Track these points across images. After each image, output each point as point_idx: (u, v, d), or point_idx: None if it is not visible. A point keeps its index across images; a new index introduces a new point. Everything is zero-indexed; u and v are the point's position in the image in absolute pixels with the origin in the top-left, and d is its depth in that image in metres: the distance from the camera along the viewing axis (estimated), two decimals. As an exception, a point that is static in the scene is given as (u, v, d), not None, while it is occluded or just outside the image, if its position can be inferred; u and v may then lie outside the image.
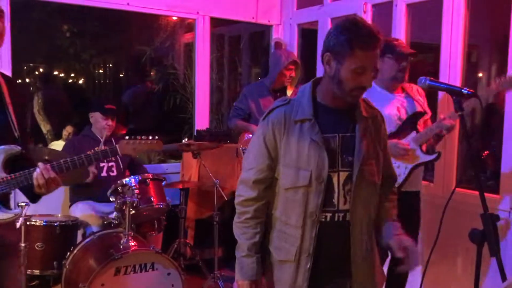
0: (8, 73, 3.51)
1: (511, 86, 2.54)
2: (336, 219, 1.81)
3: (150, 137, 2.23)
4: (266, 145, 1.82)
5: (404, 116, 2.78)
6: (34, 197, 2.02)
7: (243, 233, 1.88)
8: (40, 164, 1.91)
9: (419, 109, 2.80)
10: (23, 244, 2.87)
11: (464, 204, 2.78)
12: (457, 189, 3.19)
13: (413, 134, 2.68)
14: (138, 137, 2.19)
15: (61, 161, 1.97)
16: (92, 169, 3.48)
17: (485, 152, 4.28)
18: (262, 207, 1.87)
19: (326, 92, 1.81)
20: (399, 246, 1.78)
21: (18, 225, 2.84)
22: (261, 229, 1.87)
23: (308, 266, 1.80)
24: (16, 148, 1.91)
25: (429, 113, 2.91)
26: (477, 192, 1.66)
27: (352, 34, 1.67)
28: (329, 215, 1.80)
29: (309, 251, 1.80)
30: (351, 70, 1.69)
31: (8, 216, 1.94)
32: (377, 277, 1.93)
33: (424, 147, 2.75)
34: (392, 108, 2.77)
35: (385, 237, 1.87)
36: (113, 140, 3.79)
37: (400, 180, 2.67)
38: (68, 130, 5.08)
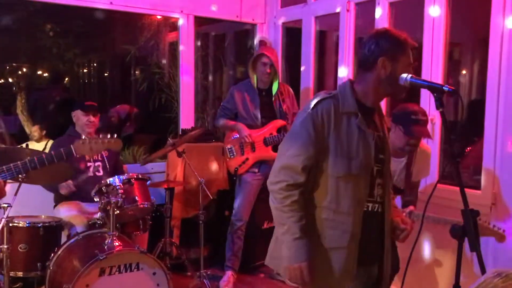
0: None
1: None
2: (374, 209, 1.98)
3: (108, 136, 2.16)
4: (316, 133, 1.89)
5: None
6: None
7: (291, 216, 1.89)
8: None
9: (402, 180, 2.88)
10: (5, 246, 2.86)
11: (446, 199, 2.81)
12: (439, 185, 3.24)
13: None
14: (95, 136, 2.13)
15: (4, 167, 1.90)
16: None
17: (468, 148, 4.33)
18: (305, 193, 1.93)
19: (368, 92, 1.95)
20: (401, 221, 2.03)
21: (-1, 227, 2.83)
22: (305, 213, 1.91)
23: (356, 252, 1.93)
24: None
25: (423, 176, 3.05)
26: (458, 188, 1.68)
27: (401, 37, 1.90)
28: (370, 205, 1.97)
29: (358, 237, 1.93)
30: (408, 65, 1.89)
31: None
32: (393, 263, 2.18)
33: None
34: None
35: None
36: (109, 136, 3.77)
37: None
38: (35, 129, 5.03)
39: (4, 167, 1.87)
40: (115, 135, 2.16)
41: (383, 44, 1.88)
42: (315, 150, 1.89)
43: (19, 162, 1.90)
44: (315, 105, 1.92)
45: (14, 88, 6.62)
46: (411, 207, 2.81)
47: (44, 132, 4.90)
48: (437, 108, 1.70)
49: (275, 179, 1.94)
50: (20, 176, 2.51)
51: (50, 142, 4.81)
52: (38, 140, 4.87)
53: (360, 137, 1.91)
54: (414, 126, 2.62)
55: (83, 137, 2.11)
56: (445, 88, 1.71)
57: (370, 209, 1.96)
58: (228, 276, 3.95)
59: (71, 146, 2.03)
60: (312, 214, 1.94)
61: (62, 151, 2.01)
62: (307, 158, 1.89)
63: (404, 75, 1.85)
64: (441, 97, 1.70)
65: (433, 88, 1.73)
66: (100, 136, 2.15)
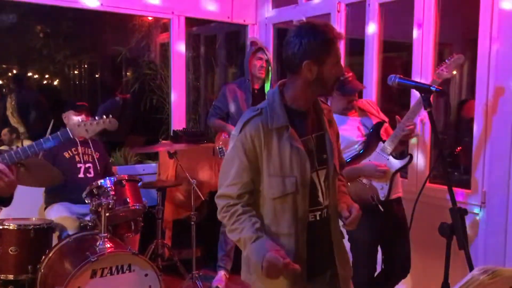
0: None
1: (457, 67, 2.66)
2: (324, 215, 1.88)
3: (103, 117, 2.17)
4: (248, 158, 1.80)
5: (365, 131, 2.82)
6: (2, 200, 1.97)
7: (242, 228, 1.79)
8: None
9: (376, 121, 2.85)
10: (-4, 249, 2.86)
11: (436, 198, 2.84)
12: (429, 184, 3.27)
13: (380, 145, 2.73)
14: (91, 118, 2.13)
15: (12, 152, 1.90)
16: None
17: (458, 148, 4.36)
18: (248, 204, 1.83)
19: (297, 96, 1.84)
20: (346, 208, 1.88)
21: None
22: (256, 219, 1.80)
23: (304, 269, 1.81)
24: None
25: (386, 120, 2.99)
26: (445, 187, 1.70)
27: (323, 35, 1.74)
28: (318, 213, 1.87)
29: (304, 256, 1.83)
30: (333, 65, 1.78)
31: None
32: (346, 257, 2.03)
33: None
34: (352, 130, 2.81)
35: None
36: (89, 141, 3.76)
37: (385, 192, 2.73)
38: (4, 132, 5.00)
39: (5, 154, 1.88)
40: (110, 115, 2.17)
41: (306, 46, 1.74)
42: (250, 176, 1.81)
43: (19, 148, 1.91)
44: (242, 127, 1.82)
45: (3, 90, 6.58)
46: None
47: (14, 135, 4.86)
48: (425, 108, 1.72)
49: (218, 208, 1.87)
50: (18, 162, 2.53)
51: (26, 142, 4.78)
52: (9, 144, 4.82)
53: (293, 152, 1.79)
54: (346, 85, 2.74)
55: (79, 119, 2.13)
56: (433, 88, 1.73)
57: (318, 217, 1.87)
58: (221, 276, 3.95)
59: (67, 129, 2.04)
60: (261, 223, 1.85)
61: (58, 133, 2.01)
62: (242, 186, 1.82)
63: (392, 76, 1.82)
64: (428, 97, 1.71)
65: (421, 88, 1.75)
66: (96, 117, 2.15)
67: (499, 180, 2.96)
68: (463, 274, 1.27)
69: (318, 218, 1.86)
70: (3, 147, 4.70)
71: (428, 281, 3.37)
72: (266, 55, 3.96)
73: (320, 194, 1.86)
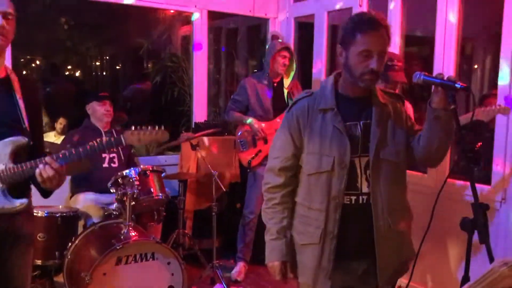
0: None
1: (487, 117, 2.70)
2: (360, 201, 1.91)
3: (156, 127, 2.19)
4: (291, 134, 1.95)
5: None
6: (45, 192, 2.04)
7: (271, 217, 1.99)
8: (47, 157, 1.92)
9: None
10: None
11: (457, 194, 2.85)
12: (450, 179, 3.28)
13: None
14: (144, 128, 2.15)
15: (66, 152, 1.97)
16: None
17: (479, 143, 4.34)
18: (289, 194, 1.99)
19: (345, 83, 1.93)
20: (436, 91, 1.79)
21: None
22: (288, 214, 1.98)
23: (333, 247, 1.90)
24: (24, 140, 1.93)
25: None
26: (469, 183, 1.72)
27: (353, 23, 1.83)
28: (353, 198, 1.91)
29: (334, 233, 1.90)
30: (357, 55, 1.81)
31: (12, 206, 1.94)
32: (404, 253, 2.01)
33: None
34: None
35: (433, 106, 1.81)
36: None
37: None
38: (61, 122, 5.12)
39: (61, 153, 1.96)
40: (162, 127, 2.23)
41: (342, 31, 1.86)
42: (293, 151, 1.95)
43: (73, 149, 1.98)
44: (290, 107, 2.00)
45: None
46: None
47: (65, 125, 4.99)
48: (450, 105, 1.73)
49: (264, 180, 2.04)
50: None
51: (49, 134, 4.90)
52: (61, 133, 4.96)
53: (334, 133, 1.88)
54: (389, 72, 2.70)
55: (132, 128, 2.18)
56: (458, 85, 1.73)
57: (353, 202, 1.90)
58: (240, 266, 4.02)
59: (121, 136, 2.08)
60: (296, 211, 2.00)
61: (112, 140, 2.06)
62: (284, 159, 1.96)
63: (417, 73, 1.78)
64: (453, 94, 1.72)
65: (446, 85, 1.75)
66: (149, 127, 2.17)
67: (520, 176, 2.96)
68: (482, 268, 1.31)
69: (353, 202, 1.90)
70: (52, 133, 4.83)
71: (447, 274, 3.40)
72: (291, 53, 3.99)
73: (359, 179, 1.90)
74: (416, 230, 2.09)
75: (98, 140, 2.03)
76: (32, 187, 2.06)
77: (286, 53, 3.95)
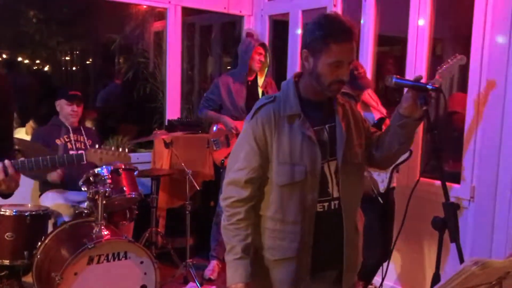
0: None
1: (451, 73, 2.73)
2: (332, 207, 1.86)
3: (120, 150, 2.24)
4: (257, 144, 1.81)
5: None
6: (2, 194, 1.99)
7: (236, 235, 1.82)
8: (6, 161, 1.86)
9: (377, 116, 2.92)
10: (-7, 234, 2.89)
11: (427, 193, 2.91)
12: (421, 178, 3.34)
13: None
14: (107, 148, 2.19)
15: (25, 160, 1.93)
16: (58, 171, 3.48)
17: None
18: (252, 208, 1.85)
19: (307, 87, 1.84)
20: (404, 98, 1.78)
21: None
22: (252, 231, 1.84)
23: (309, 258, 1.84)
24: None
25: (385, 112, 3.06)
26: (439, 182, 1.75)
27: (326, 30, 1.72)
28: (326, 204, 1.85)
29: (309, 243, 1.83)
30: (328, 65, 1.73)
31: None
32: (358, 259, 2.00)
33: None
34: None
35: (401, 112, 1.81)
36: (82, 129, 3.79)
37: (384, 185, 2.82)
38: (31, 124, 5.00)
39: (20, 160, 1.92)
40: (126, 150, 2.27)
41: (310, 35, 1.75)
42: (259, 161, 1.81)
43: (33, 159, 1.95)
44: (253, 113, 1.84)
45: (-6, 75, 6.52)
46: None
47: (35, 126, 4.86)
48: (421, 106, 1.76)
49: (223, 195, 1.88)
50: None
51: (18, 131, 4.78)
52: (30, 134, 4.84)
53: (304, 140, 1.79)
54: (359, 80, 2.85)
55: (96, 146, 2.21)
56: (429, 87, 1.76)
57: (326, 208, 1.85)
58: (213, 265, 4.01)
59: (83, 152, 2.11)
60: (262, 226, 1.87)
61: (73, 156, 2.08)
62: (251, 171, 1.81)
63: (389, 76, 1.79)
64: (425, 96, 1.76)
65: (418, 87, 1.78)
66: (113, 148, 2.22)
67: (488, 175, 3.04)
68: (453, 267, 1.34)
69: (325, 209, 1.85)
70: (22, 129, 4.71)
71: (420, 273, 3.47)
72: (266, 49, 3.99)
73: (330, 185, 1.84)
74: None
75: (60, 154, 2.01)
76: None
77: (261, 50, 3.95)
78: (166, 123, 4.50)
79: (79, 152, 2.14)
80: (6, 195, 2.00)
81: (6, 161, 1.86)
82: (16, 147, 2.88)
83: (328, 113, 1.88)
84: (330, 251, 1.89)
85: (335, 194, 1.86)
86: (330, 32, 1.71)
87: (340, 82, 1.78)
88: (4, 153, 1.88)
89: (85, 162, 2.10)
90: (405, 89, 1.83)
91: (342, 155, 1.84)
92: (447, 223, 1.67)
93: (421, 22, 3.42)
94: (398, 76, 1.82)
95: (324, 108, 1.87)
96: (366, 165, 2.02)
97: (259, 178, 1.84)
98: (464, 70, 3.29)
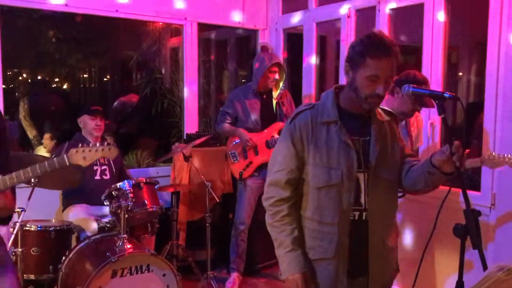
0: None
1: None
2: (363, 217, 1.91)
3: (105, 144, 2.13)
4: (295, 147, 1.91)
5: None
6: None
7: (282, 230, 1.92)
8: None
9: (407, 143, 2.92)
10: (20, 249, 2.95)
11: (448, 201, 2.89)
12: (440, 186, 3.34)
13: None
14: (90, 145, 2.09)
15: (6, 176, 1.88)
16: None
17: (467, 150, 4.41)
18: (294, 206, 1.95)
19: (347, 98, 1.92)
20: (440, 152, 1.79)
21: (14, 231, 2.89)
22: (297, 225, 1.93)
23: (347, 260, 1.90)
24: None
25: (419, 144, 3.06)
26: (459, 189, 1.76)
27: (364, 45, 1.81)
28: (357, 213, 1.91)
29: (347, 245, 1.89)
30: (365, 78, 1.81)
31: None
32: (392, 269, 2.04)
33: None
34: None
35: (432, 163, 1.84)
36: (105, 144, 3.85)
37: None
38: (46, 137, 5.10)
39: (6, 175, 1.87)
40: (112, 143, 2.15)
41: (351, 50, 1.86)
42: (297, 163, 1.92)
43: (14, 173, 1.90)
44: (292, 118, 1.96)
45: (16, 94, 6.69)
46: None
47: (54, 141, 4.96)
48: (439, 114, 1.77)
49: (265, 195, 1.99)
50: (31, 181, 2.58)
51: (39, 148, 4.89)
52: (48, 148, 4.93)
53: (341, 146, 1.88)
54: (425, 99, 2.74)
55: (80, 145, 2.08)
56: (446, 95, 1.78)
57: (357, 217, 1.90)
58: (234, 277, 4.02)
59: (64, 155, 2.02)
60: (303, 226, 1.96)
61: (55, 160, 1.98)
62: (289, 172, 1.92)
63: (406, 86, 1.84)
64: (442, 104, 1.77)
65: (435, 95, 1.80)
66: (97, 144, 2.12)
67: (508, 182, 3.03)
68: (475, 274, 1.34)
69: (357, 218, 1.90)
70: (38, 149, 4.79)
71: (441, 281, 3.44)
72: (282, 68, 4.00)
73: (362, 195, 1.90)
74: (412, 238, 2.11)
75: (42, 162, 1.95)
76: None
77: (276, 69, 3.98)
78: (185, 137, 4.55)
79: (62, 155, 2.04)
80: (4, 219, 1.97)
81: None
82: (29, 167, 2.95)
83: (364, 127, 1.94)
84: (361, 259, 1.93)
85: (366, 206, 1.91)
86: (367, 47, 1.80)
87: (376, 96, 1.84)
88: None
89: (67, 164, 2.01)
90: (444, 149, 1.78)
91: (373, 169, 1.90)
92: (469, 229, 1.67)
93: (436, 29, 3.44)
94: (415, 86, 1.84)
95: (361, 121, 1.94)
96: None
97: (297, 179, 1.94)
98: (480, 76, 3.30)
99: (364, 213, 1.91)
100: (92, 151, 2.07)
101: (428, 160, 1.85)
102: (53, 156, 3.67)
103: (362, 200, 1.91)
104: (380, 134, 1.94)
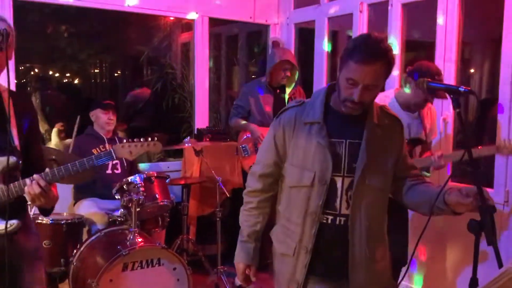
0: (12, 77, 3.56)
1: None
2: (337, 222, 1.86)
3: (149, 139, 2.15)
4: (276, 143, 1.93)
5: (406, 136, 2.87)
6: (43, 211, 2.02)
7: (246, 220, 2.02)
8: (34, 175, 1.86)
9: (422, 133, 2.89)
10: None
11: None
12: (452, 183, 3.31)
13: None
14: (135, 140, 2.12)
15: (54, 169, 1.90)
16: None
17: (479, 146, 4.39)
18: (266, 199, 2.00)
19: (335, 97, 1.86)
20: (462, 195, 1.71)
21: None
22: (263, 219, 2.01)
23: (306, 262, 1.87)
24: (12, 159, 1.84)
25: (433, 136, 3.04)
26: (472, 186, 1.74)
27: (351, 47, 1.74)
28: (330, 217, 1.86)
29: (307, 248, 1.87)
30: (344, 80, 1.76)
31: (2, 228, 1.85)
32: (381, 284, 1.96)
33: None
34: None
35: (445, 199, 1.77)
36: (116, 139, 3.87)
37: None
38: (55, 130, 5.11)
39: (48, 170, 1.91)
40: (155, 138, 2.20)
41: (345, 47, 1.79)
42: (274, 159, 1.93)
43: (62, 167, 1.93)
44: (279, 114, 1.97)
45: (28, 89, 6.73)
46: (438, 152, 2.87)
47: (62, 134, 4.98)
48: (454, 108, 1.75)
49: (246, 183, 2.08)
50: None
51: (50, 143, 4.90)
52: (57, 144, 4.96)
53: (318, 148, 1.83)
54: (438, 90, 2.74)
55: (124, 140, 2.12)
56: (461, 89, 1.75)
57: (330, 222, 1.85)
58: (243, 272, 4.02)
59: (111, 149, 2.05)
60: (277, 219, 2.01)
61: (102, 154, 2.02)
62: (264, 166, 1.97)
63: (421, 79, 1.79)
64: (457, 98, 1.75)
65: (450, 90, 1.78)
66: (141, 139, 2.14)
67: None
68: (490, 270, 1.33)
69: (329, 222, 1.86)
70: (52, 145, 4.82)
71: (454, 277, 3.42)
72: (294, 66, 3.97)
73: (338, 200, 1.84)
74: (418, 231, 2.08)
75: (90, 156, 1.97)
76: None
77: (287, 66, 3.97)
78: (195, 132, 4.56)
79: (109, 149, 2.08)
80: (48, 210, 2.02)
81: (35, 175, 1.86)
82: (53, 157, 2.97)
83: (357, 129, 1.86)
84: (330, 263, 1.90)
85: (343, 211, 1.85)
86: (352, 50, 1.73)
87: (351, 101, 1.77)
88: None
89: (114, 158, 2.05)
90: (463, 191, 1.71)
91: (360, 174, 1.82)
92: (484, 226, 1.66)
93: (449, 25, 3.40)
94: (430, 80, 1.82)
95: (353, 123, 1.86)
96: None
97: (273, 174, 1.97)
98: (494, 73, 3.26)
99: (339, 218, 1.85)
100: (138, 146, 2.12)
101: (441, 195, 1.76)
102: (68, 150, 3.71)
103: (337, 204, 1.85)
104: (372, 139, 1.85)
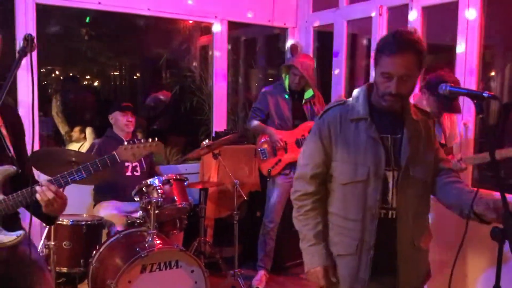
0: (35, 76, 3.63)
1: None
2: (389, 216, 1.90)
3: (150, 140, 2.17)
4: (322, 141, 1.94)
5: None
6: (48, 219, 1.99)
7: (305, 224, 1.97)
8: (42, 181, 1.87)
9: (441, 138, 2.88)
10: (52, 243, 3.02)
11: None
12: (472, 188, 3.27)
13: None
14: (136, 142, 2.14)
15: (58, 176, 1.91)
16: None
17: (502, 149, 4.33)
18: (319, 201, 1.98)
19: (376, 94, 1.92)
20: (490, 209, 1.76)
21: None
22: (322, 219, 1.97)
23: (370, 258, 1.89)
24: (12, 169, 1.85)
25: (454, 141, 3.02)
26: (495, 192, 1.72)
27: (383, 42, 1.82)
28: (383, 212, 1.90)
29: (370, 243, 1.89)
30: (380, 75, 1.83)
31: (10, 239, 1.84)
32: (423, 271, 2.02)
33: None
34: None
35: (475, 209, 1.80)
36: (135, 141, 3.89)
37: None
38: (76, 131, 5.20)
39: (59, 176, 1.92)
40: (156, 138, 2.21)
41: (376, 46, 1.88)
42: (323, 158, 1.94)
43: (65, 173, 1.93)
44: (322, 114, 1.99)
45: (49, 91, 6.82)
46: (458, 155, 2.84)
47: (83, 134, 5.05)
48: (478, 114, 1.73)
49: (292, 189, 2.04)
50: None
51: (87, 143, 4.97)
52: (76, 140, 5.04)
53: (368, 142, 1.88)
54: (453, 102, 2.76)
55: (125, 143, 2.13)
56: (485, 95, 1.72)
57: (383, 216, 1.89)
58: (261, 275, 4.03)
59: (114, 152, 2.07)
60: (329, 221, 1.98)
61: (106, 158, 2.04)
62: (315, 167, 1.96)
63: (443, 85, 1.78)
64: (481, 104, 1.73)
65: (473, 95, 1.75)
66: (142, 140, 2.16)
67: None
68: (508, 277, 1.30)
69: (382, 216, 1.89)
70: (70, 144, 4.92)
71: (477, 285, 3.37)
72: (300, 72, 3.92)
73: (390, 194, 1.89)
74: (443, 239, 2.07)
75: (92, 161, 1.97)
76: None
77: (296, 71, 3.95)
78: (213, 135, 4.57)
79: (112, 152, 2.09)
80: (52, 219, 2.00)
81: (43, 181, 1.87)
82: (73, 159, 3.01)
83: (397, 124, 1.93)
84: (388, 258, 1.91)
85: (394, 204, 1.90)
86: (383, 45, 1.82)
87: (389, 94, 1.83)
88: (26, 186, 1.87)
89: (118, 161, 2.06)
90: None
91: (404, 167, 1.88)
92: (507, 233, 1.63)
93: (470, 29, 3.36)
94: (452, 85, 1.80)
95: (393, 119, 1.93)
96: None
97: (323, 174, 1.96)
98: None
99: (391, 212, 1.90)
100: (140, 148, 2.14)
101: (471, 205, 1.78)
102: (91, 152, 3.75)
103: (390, 198, 1.89)
104: (413, 133, 1.93)
